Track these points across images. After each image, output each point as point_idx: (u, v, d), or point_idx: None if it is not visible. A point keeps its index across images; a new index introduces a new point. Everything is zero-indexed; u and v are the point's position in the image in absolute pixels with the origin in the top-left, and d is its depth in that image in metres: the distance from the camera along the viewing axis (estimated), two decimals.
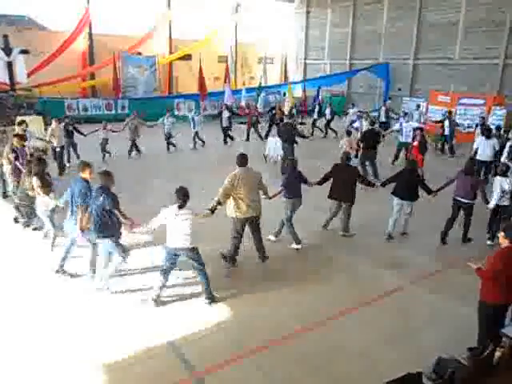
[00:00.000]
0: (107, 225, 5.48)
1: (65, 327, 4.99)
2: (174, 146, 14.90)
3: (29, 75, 19.24)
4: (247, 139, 16.92)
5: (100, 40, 22.98)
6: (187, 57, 25.09)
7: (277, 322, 5.21)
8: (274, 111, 17.62)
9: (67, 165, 11.86)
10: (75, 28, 21.41)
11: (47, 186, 6.67)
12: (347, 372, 4.39)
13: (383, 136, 13.19)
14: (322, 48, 27.53)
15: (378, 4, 23.57)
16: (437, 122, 15.69)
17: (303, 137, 13.24)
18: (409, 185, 7.46)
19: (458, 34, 19.91)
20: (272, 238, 7.31)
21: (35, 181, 6.59)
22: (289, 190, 7.03)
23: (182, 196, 5.16)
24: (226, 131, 16.15)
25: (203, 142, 15.51)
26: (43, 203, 6.67)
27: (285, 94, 22.50)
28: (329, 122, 18.38)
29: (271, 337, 4.89)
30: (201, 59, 20.79)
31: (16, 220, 7.90)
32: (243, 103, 20.82)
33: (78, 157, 12.10)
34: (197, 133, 15.27)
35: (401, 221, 7.72)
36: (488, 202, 7.24)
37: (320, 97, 21.76)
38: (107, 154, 13.22)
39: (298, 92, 23.86)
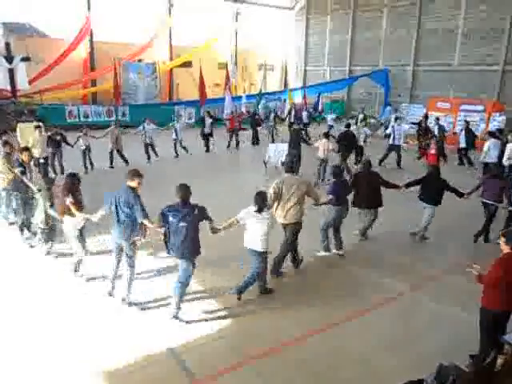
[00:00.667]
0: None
1: (64, 334, 4.97)
2: (156, 154, 14.16)
3: (30, 82, 19.33)
4: (228, 145, 16.59)
5: (101, 47, 23.09)
6: (188, 64, 25.20)
7: (277, 329, 5.19)
8: (256, 116, 18.06)
9: (53, 176, 11.01)
10: (76, 36, 21.51)
11: (80, 202, 6.19)
12: (347, 379, 4.37)
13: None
14: (322, 55, 27.66)
15: (378, 11, 23.71)
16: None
17: (307, 143, 13.35)
18: (435, 189, 7.59)
19: (457, 40, 20.02)
20: (322, 253, 7.14)
21: (70, 199, 5.96)
22: (336, 198, 6.89)
23: (261, 200, 5.34)
24: (207, 138, 15.74)
25: (187, 150, 14.86)
26: (71, 223, 6.16)
27: (285, 101, 22.58)
28: (306, 125, 18.13)
29: (271, 344, 4.87)
30: (201, 66, 20.89)
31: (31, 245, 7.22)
32: (244, 109, 20.91)
33: (63, 170, 11.64)
34: (179, 141, 14.71)
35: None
36: None
37: (320, 103, 21.87)
38: (89, 166, 12.42)
39: (298, 99, 23.95)
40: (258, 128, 18.05)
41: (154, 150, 14.09)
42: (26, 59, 18.28)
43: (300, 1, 28.69)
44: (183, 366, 4.50)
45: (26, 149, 8.28)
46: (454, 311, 5.60)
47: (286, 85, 24.57)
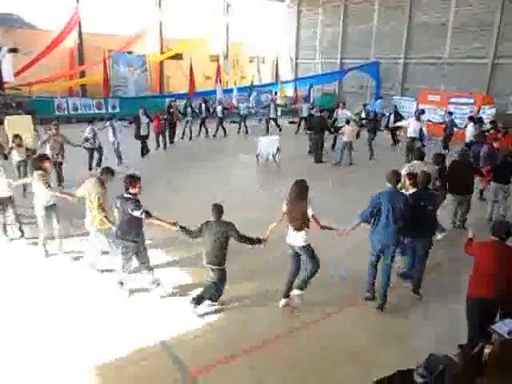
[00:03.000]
0: None
1: (56, 328, 4.96)
2: (120, 158, 12.45)
3: (17, 74, 19.03)
4: (157, 146, 15.10)
5: (90, 39, 22.76)
6: (178, 56, 24.99)
7: (270, 323, 5.22)
8: (223, 108, 17.99)
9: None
10: (64, 27, 21.13)
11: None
12: (339, 372, 4.42)
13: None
14: (314, 47, 27.58)
15: (369, 4, 23.67)
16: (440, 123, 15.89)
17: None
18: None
19: (448, 34, 20.07)
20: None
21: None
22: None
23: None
24: (144, 140, 13.93)
25: (120, 157, 12.51)
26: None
27: (276, 93, 22.53)
28: (221, 119, 17.55)
29: (264, 337, 4.91)
30: (191, 58, 20.72)
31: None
32: (234, 102, 20.84)
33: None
34: (118, 144, 12.44)
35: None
36: None
37: (312, 96, 21.83)
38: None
39: (290, 91, 23.90)
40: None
41: (100, 156, 11.72)
42: (13, 50, 17.96)
43: None
44: (176, 359, 4.52)
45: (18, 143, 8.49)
46: (444, 302, 5.68)
47: (277, 77, 24.46)
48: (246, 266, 6.40)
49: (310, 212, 5.20)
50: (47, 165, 6.53)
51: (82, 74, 23.25)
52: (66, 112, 19.43)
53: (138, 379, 4.24)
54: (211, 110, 18.28)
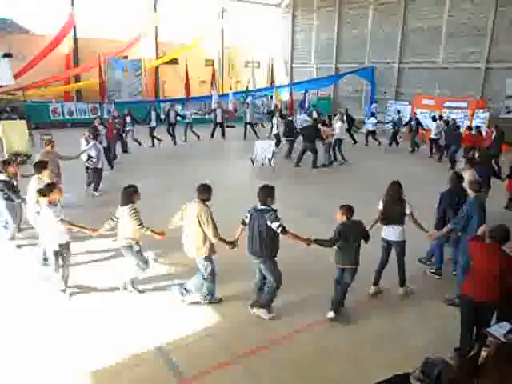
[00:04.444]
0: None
1: (50, 334, 4.91)
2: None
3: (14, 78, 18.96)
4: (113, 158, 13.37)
5: (85, 44, 22.76)
6: (174, 61, 25.00)
7: (264, 327, 5.20)
8: (216, 112, 17.95)
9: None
10: (58, 32, 21.04)
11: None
12: (335, 376, 4.39)
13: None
14: (309, 52, 27.70)
15: (363, 9, 23.82)
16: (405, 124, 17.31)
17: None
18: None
19: (441, 38, 20.23)
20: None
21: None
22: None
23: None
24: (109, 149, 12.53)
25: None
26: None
27: (271, 98, 22.58)
28: (153, 129, 16.07)
29: (259, 342, 4.88)
30: (187, 63, 20.75)
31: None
32: (230, 107, 20.87)
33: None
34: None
35: None
36: None
37: (307, 101, 21.92)
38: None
39: (285, 96, 23.95)
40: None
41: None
42: (7, 55, 17.91)
43: None
44: (171, 364, 4.48)
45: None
46: (440, 305, 5.68)
47: (272, 82, 24.54)
48: (241, 267, 6.38)
49: (407, 210, 5.70)
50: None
51: (78, 79, 23.21)
52: (61, 117, 19.39)
53: None
54: (186, 115, 17.56)
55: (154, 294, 5.81)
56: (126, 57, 23.89)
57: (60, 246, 5.59)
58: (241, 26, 28.58)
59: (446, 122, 15.26)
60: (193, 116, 17.89)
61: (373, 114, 17.92)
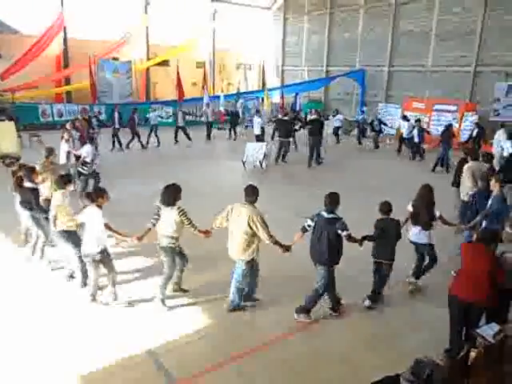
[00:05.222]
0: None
1: (41, 336, 4.86)
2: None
3: (2, 79, 18.78)
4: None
5: (75, 45, 22.58)
6: (165, 63, 24.94)
7: (257, 329, 5.20)
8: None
9: None
10: (45, 32, 20.62)
11: None
12: (328, 376, 4.40)
13: None
14: (300, 54, 27.81)
15: (354, 12, 23.99)
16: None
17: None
18: None
19: (431, 42, 20.44)
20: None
21: None
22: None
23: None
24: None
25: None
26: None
27: (263, 100, 22.65)
28: (117, 130, 15.58)
29: (252, 343, 4.87)
30: (178, 65, 20.71)
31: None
32: (222, 109, 20.89)
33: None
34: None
35: None
36: None
37: (298, 103, 22.00)
38: None
39: (276, 98, 24.03)
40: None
41: (97, 183, 9.47)
42: None
43: (277, 1, 28.75)
44: (162, 367, 4.45)
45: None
46: (432, 306, 5.71)
47: (263, 84, 24.62)
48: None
49: (437, 213, 5.82)
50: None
51: (68, 81, 23.03)
52: (51, 118, 19.22)
53: None
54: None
55: (145, 297, 5.76)
56: (116, 58, 23.78)
57: (101, 252, 5.35)
58: (232, 29, 28.59)
59: (418, 121, 15.72)
60: (158, 119, 16.97)
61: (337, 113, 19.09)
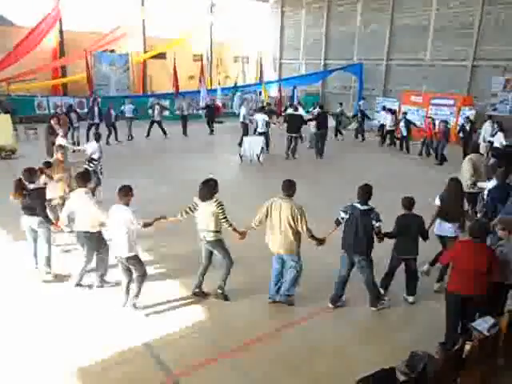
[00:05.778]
0: None
1: (36, 332, 4.86)
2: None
3: None
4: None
5: (71, 37, 22.39)
6: (161, 55, 24.79)
7: (253, 322, 5.21)
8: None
9: None
10: (38, 23, 20.20)
11: None
12: (323, 370, 4.43)
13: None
14: (297, 48, 27.68)
15: (352, 6, 23.86)
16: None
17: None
18: None
19: (429, 36, 20.38)
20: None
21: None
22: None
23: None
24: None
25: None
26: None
27: (260, 93, 22.57)
28: (96, 125, 14.77)
29: (248, 337, 4.89)
30: (175, 58, 20.58)
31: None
32: (219, 102, 20.80)
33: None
34: None
35: None
36: None
37: (296, 96, 21.93)
38: None
39: (274, 91, 23.94)
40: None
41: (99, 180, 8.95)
42: None
43: None
44: (159, 361, 4.47)
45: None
46: (427, 301, 5.75)
47: (261, 77, 24.53)
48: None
49: (466, 206, 5.93)
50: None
51: (64, 73, 22.86)
52: (47, 111, 19.08)
53: (120, 382, 4.18)
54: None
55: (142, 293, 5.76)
56: (112, 50, 23.59)
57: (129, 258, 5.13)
58: (230, 21, 28.42)
59: (404, 114, 16.13)
60: (132, 112, 16.29)
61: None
